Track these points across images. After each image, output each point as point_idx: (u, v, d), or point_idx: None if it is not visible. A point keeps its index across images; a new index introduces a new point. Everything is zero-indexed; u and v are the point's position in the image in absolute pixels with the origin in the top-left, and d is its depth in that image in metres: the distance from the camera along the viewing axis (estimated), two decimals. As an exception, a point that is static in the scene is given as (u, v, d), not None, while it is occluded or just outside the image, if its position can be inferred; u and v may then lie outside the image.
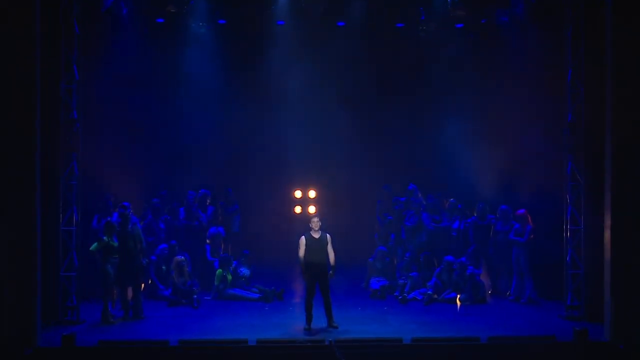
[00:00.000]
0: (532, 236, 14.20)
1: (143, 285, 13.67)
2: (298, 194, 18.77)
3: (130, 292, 13.17)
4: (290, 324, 12.74)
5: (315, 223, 12.45)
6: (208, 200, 16.12)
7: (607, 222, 11.57)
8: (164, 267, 14.61)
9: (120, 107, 15.59)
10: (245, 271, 14.77)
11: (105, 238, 12.96)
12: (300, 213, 18.55)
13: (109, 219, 13.54)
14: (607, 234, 11.58)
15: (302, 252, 12.38)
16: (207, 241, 15.50)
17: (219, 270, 14.63)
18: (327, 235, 12.48)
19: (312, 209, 18.37)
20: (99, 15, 14.44)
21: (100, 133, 14.46)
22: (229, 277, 14.60)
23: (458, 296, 14.26)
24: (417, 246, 15.42)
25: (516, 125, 14.91)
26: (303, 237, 12.49)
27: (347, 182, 17.82)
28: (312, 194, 18.76)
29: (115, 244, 12.99)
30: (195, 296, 14.02)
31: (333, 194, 18.21)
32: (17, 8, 10.95)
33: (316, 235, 12.44)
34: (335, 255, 12.45)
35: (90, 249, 12.97)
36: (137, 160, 15.71)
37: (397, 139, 17.84)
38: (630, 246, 11.37)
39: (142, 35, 15.92)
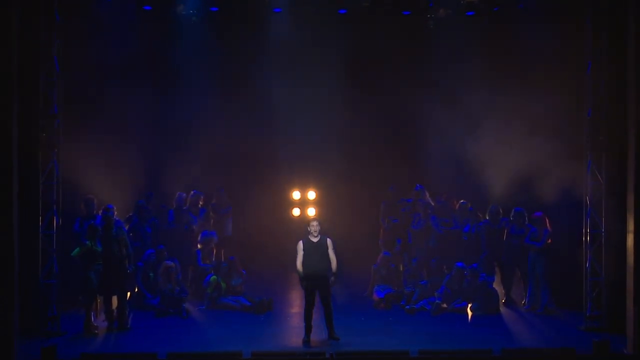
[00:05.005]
0: (549, 241, 14.22)
1: (129, 293, 13.68)
2: (296, 195, 18.77)
3: (115, 301, 13.19)
4: (288, 335, 12.78)
5: (314, 227, 12.46)
6: (200, 202, 16.14)
7: (630, 225, 11.56)
8: (151, 274, 14.62)
9: (103, 102, 15.61)
10: (234, 280, 14.78)
11: (88, 243, 12.97)
12: (299, 216, 18.56)
13: (92, 222, 13.55)
14: (630, 239, 11.58)
15: (300, 258, 12.39)
16: (199, 246, 15.51)
17: (214, 277, 14.64)
18: (328, 239, 12.50)
19: (311, 212, 18.37)
20: (81, 3, 14.45)
21: (83, 130, 14.45)
22: (223, 285, 14.62)
23: (469, 305, 14.28)
24: (425, 252, 15.43)
25: (532, 121, 14.91)
26: (301, 242, 12.51)
27: (350, 182, 17.82)
28: (311, 195, 18.77)
29: (99, 249, 13.00)
30: (184, 305, 14.04)
31: (334, 195, 18.21)
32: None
33: (315, 240, 12.46)
34: (337, 261, 12.47)
35: (72, 254, 12.99)
36: (122, 159, 15.70)
37: (403, 135, 17.84)
38: (655, 252, 11.39)
39: (128, 25, 15.89)
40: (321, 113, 17.25)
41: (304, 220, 16.02)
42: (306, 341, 12.20)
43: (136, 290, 14.49)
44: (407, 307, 14.35)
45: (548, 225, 14.27)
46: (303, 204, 18.75)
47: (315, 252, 12.38)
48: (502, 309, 14.44)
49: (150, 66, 16.55)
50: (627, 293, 11.67)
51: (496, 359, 11.17)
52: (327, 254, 12.41)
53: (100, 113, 15.48)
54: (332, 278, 12.39)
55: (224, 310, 14.37)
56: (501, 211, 15.13)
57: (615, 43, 12.53)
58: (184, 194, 16.09)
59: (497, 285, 14.77)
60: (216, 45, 16.99)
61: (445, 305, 14.26)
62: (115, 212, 13.65)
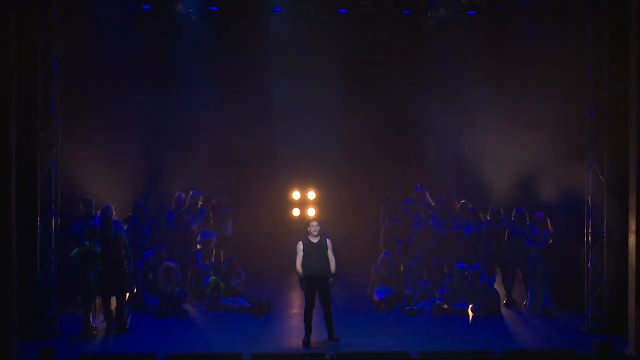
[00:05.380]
0: (550, 241, 14.22)
1: (128, 294, 13.69)
2: (296, 195, 18.78)
3: (113, 302, 13.20)
4: (288, 337, 12.78)
5: (314, 227, 12.46)
6: (199, 202, 16.14)
7: (632, 225, 11.54)
8: (150, 275, 14.62)
9: (102, 101, 15.62)
10: (233, 281, 14.79)
11: (86, 243, 12.97)
12: (299, 216, 18.56)
13: (90, 222, 13.56)
14: (632, 239, 11.56)
15: (299, 259, 12.40)
16: (198, 246, 15.52)
17: (212, 277, 14.65)
18: (327, 240, 12.51)
19: (311, 212, 18.38)
20: (80, 2, 14.46)
21: (82, 129, 14.46)
22: (222, 285, 14.62)
23: (470, 306, 14.28)
24: (426, 252, 15.43)
25: (533, 121, 14.92)
26: (300, 242, 12.51)
27: (350, 182, 17.84)
28: (311, 195, 18.77)
29: (98, 249, 13.00)
30: (183, 305, 14.05)
31: (334, 195, 18.22)
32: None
33: (315, 241, 12.46)
34: (337, 262, 12.49)
35: (71, 254, 12.98)
36: (121, 159, 15.72)
37: (403, 135, 17.85)
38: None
39: (127, 24, 15.91)
40: (321, 112, 17.27)
41: (303, 221, 16.04)
42: (306, 342, 12.20)
43: (135, 290, 14.48)
44: (408, 307, 14.35)
45: (549, 225, 14.27)
46: (303, 204, 18.76)
47: (315, 253, 12.38)
48: (503, 310, 14.44)
49: (150, 65, 16.56)
50: (629, 294, 11.66)
51: None
52: (327, 255, 12.42)
53: (99, 112, 15.49)
54: (331, 279, 12.41)
55: (223, 311, 14.37)
56: (502, 211, 15.13)
57: (617, 42, 12.52)
58: (183, 194, 16.10)
59: (498, 286, 14.77)
60: (216, 45, 17.01)
61: (446, 306, 14.26)
62: (114, 212, 13.65)
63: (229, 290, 14.67)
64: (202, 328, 13.38)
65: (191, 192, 16.09)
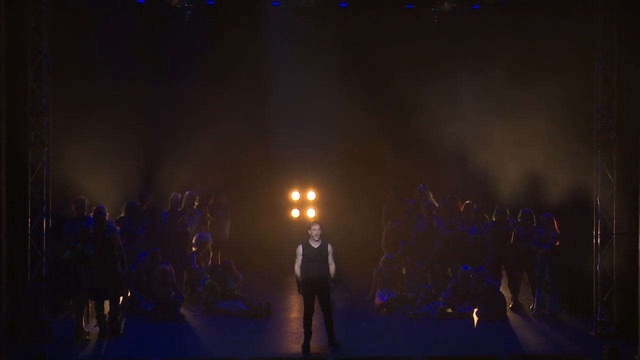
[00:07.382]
0: (557, 243, 14.20)
1: (122, 298, 13.66)
2: (295, 195, 18.74)
3: (107, 306, 13.16)
4: (287, 341, 12.78)
5: (316, 231, 12.37)
6: (195, 203, 16.11)
7: (642, 227, 11.58)
8: (145, 278, 14.58)
9: (96, 99, 15.57)
10: (230, 284, 14.77)
11: (79, 245, 12.94)
12: (298, 217, 18.52)
13: (83, 223, 13.52)
14: (643, 241, 11.59)
15: (298, 263, 12.37)
16: (193, 249, 15.49)
17: (209, 280, 14.62)
18: (329, 245, 12.45)
19: (311, 213, 18.34)
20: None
21: (74, 128, 14.43)
22: (219, 288, 14.59)
23: (475, 310, 14.25)
24: (429, 254, 15.40)
25: (541, 119, 14.90)
26: (300, 246, 12.46)
27: (351, 182, 17.81)
28: (311, 195, 18.73)
29: (91, 251, 12.97)
30: (179, 309, 14.02)
31: (335, 196, 18.19)
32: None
33: (315, 245, 12.40)
34: (337, 264, 12.46)
35: (63, 257, 12.96)
36: (115, 158, 15.69)
37: (406, 134, 17.82)
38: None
39: (120, 18, 15.86)
40: (321, 110, 17.26)
41: (303, 222, 16.03)
42: (306, 347, 12.19)
43: (129, 294, 14.44)
44: (411, 312, 14.32)
45: (556, 227, 14.25)
46: (302, 204, 18.71)
47: (315, 257, 12.34)
48: (509, 314, 14.42)
49: (145, 62, 16.51)
50: (639, 297, 11.65)
51: (503, 365, 11.17)
52: (327, 260, 12.37)
53: (92, 110, 15.43)
54: (331, 285, 12.37)
55: (220, 315, 14.34)
56: (508, 212, 15.10)
57: (627, 38, 12.51)
58: (180, 195, 16.06)
59: (503, 290, 14.75)
60: (213, 41, 16.96)
61: (450, 310, 14.23)
62: (107, 214, 13.61)
63: (226, 294, 14.64)
64: (199, 333, 13.36)
65: (187, 193, 16.06)
